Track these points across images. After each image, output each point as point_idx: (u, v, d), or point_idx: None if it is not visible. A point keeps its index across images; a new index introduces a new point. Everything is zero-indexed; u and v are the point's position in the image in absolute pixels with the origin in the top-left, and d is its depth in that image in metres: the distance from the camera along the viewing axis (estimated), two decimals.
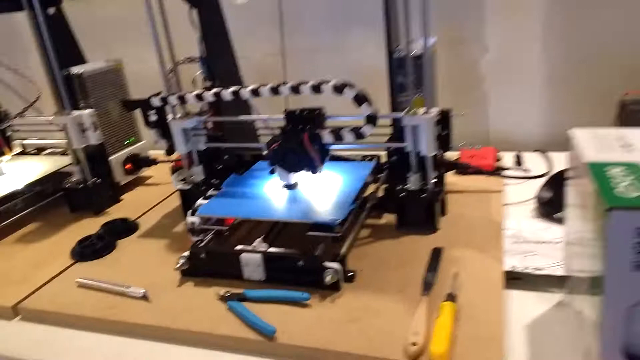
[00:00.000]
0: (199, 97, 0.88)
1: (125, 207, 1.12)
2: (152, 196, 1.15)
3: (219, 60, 0.98)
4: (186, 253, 0.81)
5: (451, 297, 0.67)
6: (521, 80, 1.25)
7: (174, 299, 0.77)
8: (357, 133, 0.79)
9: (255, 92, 0.83)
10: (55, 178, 1.13)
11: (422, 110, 0.82)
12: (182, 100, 0.90)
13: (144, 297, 0.77)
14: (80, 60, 1.12)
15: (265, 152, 0.85)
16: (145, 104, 0.94)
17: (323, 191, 0.88)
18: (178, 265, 0.80)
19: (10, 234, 1.04)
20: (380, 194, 0.95)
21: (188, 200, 1.02)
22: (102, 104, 1.12)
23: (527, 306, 0.68)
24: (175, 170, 1.02)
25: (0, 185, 1.08)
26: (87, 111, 1.04)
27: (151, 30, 0.88)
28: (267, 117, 0.92)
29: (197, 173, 0.99)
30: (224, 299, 0.74)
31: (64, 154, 1.20)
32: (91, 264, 0.90)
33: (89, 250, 0.91)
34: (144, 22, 0.87)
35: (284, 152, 0.83)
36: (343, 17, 1.31)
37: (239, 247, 0.78)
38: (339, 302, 0.72)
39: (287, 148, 0.82)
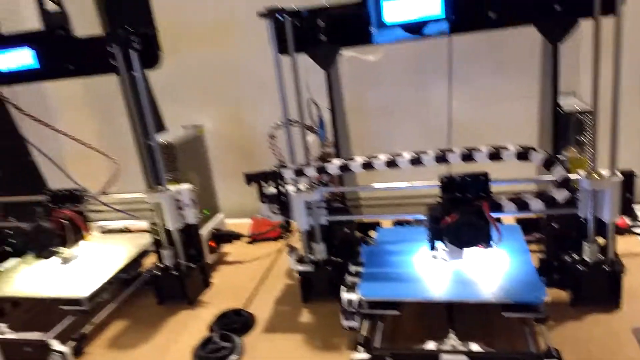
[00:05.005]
0: (344, 167, 0.77)
1: (219, 294, 0.95)
2: (243, 277, 1.01)
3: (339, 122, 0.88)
4: (361, 356, 0.67)
5: None
6: None
7: None
8: (547, 199, 0.70)
9: (417, 161, 0.73)
10: (132, 263, 0.97)
11: (604, 172, 0.74)
12: (320, 171, 0.78)
13: None
14: (161, 127, 0.99)
15: (429, 226, 0.74)
16: (270, 176, 0.82)
17: (485, 263, 0.78)
18: None
19: (96, 336, 0.86)
20: None
21: (309, 283, 0.89)
22: (185, 175, 0.99)
23: None
24: (291, 249, 0.89)
25: (82, 273, 0.92)
26: (186, 186, 0.90)
27: (278, 87, 0.79)
28: (413, 184, 0.82)
29: (320, 251, 0.87)
30: None
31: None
32: None
33: (216, 357, 0.75)
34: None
35: (459, 226, 0.72)
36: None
37: (430, 346, 0.66)
38: None
39: (464, 222, 0.72)
